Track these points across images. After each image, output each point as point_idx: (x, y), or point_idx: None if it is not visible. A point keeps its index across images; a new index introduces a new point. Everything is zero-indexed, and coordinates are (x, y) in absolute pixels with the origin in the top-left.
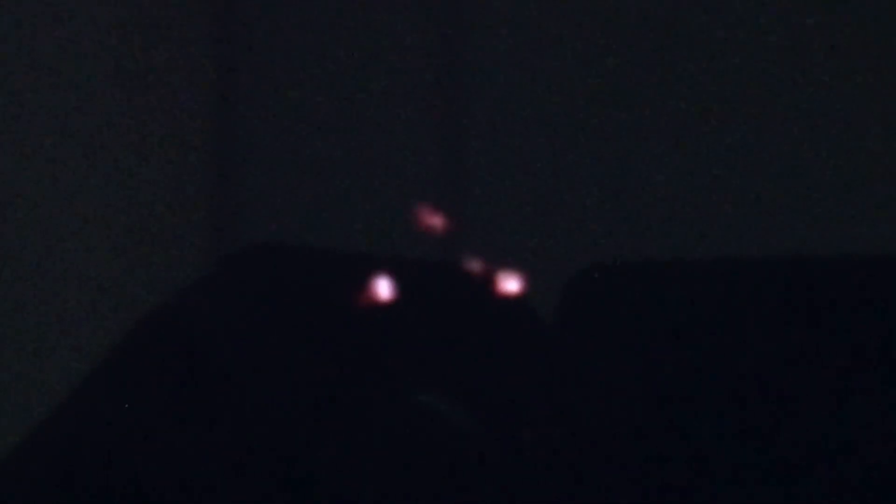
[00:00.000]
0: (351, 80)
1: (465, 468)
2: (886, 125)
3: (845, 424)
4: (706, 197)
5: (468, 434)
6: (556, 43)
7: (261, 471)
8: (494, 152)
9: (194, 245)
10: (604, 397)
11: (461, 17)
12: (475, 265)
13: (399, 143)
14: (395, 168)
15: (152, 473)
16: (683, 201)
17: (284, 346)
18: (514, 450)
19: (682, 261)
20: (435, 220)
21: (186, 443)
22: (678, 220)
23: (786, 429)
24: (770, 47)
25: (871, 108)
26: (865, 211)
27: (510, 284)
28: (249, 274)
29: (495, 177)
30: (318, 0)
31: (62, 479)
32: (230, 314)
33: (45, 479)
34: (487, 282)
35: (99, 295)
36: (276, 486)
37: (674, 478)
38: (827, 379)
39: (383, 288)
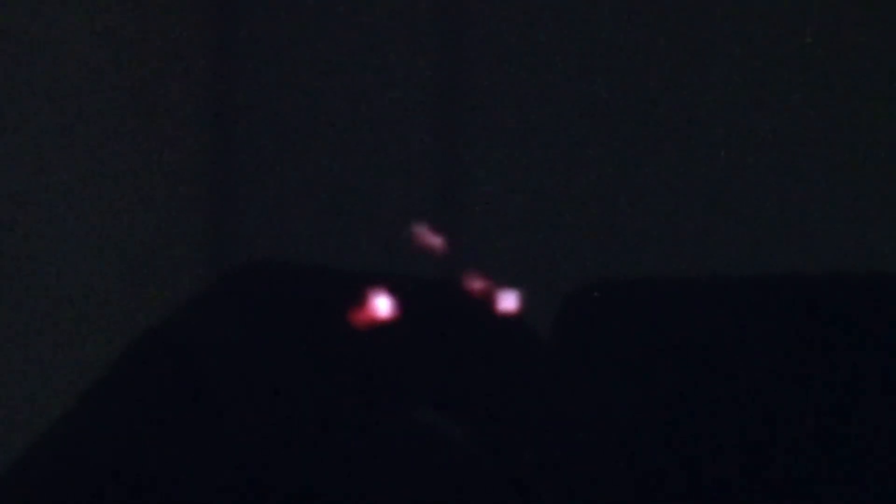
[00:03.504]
0: (350, 97)
1: (463, 485)
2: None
3: (851, 443)
4: (708, 213)
5: (466, 451)
6: (556, 62)
7: (260, 488)
8: (493, 168)
9: (192, 262)
10: (604, 415)
11: (460, 31)
12: (473, 282)
13: (397, 159)
14: (394, 185)
15: (150, 491)
16: (684, 218)
17: (282, 363)
18: (513, 467)
19: (682, 278)
20: (433, 237)
21: (184, 460)
22: (679, 236)
23: (788, 445)
24: (780, 66)
25: (879, 128)
26: (869, 229)
27: (508, 302)
28: (247, 291)
29: (493, 193)
30: (319, 16)
31: (56, 494)
32: (228, 331)
33: (39, 493)
34: (486, 299)
35: (95, 312)
36: (274, 503)
37: (675, 496)
38: (832, 398)
39: (382, 305)
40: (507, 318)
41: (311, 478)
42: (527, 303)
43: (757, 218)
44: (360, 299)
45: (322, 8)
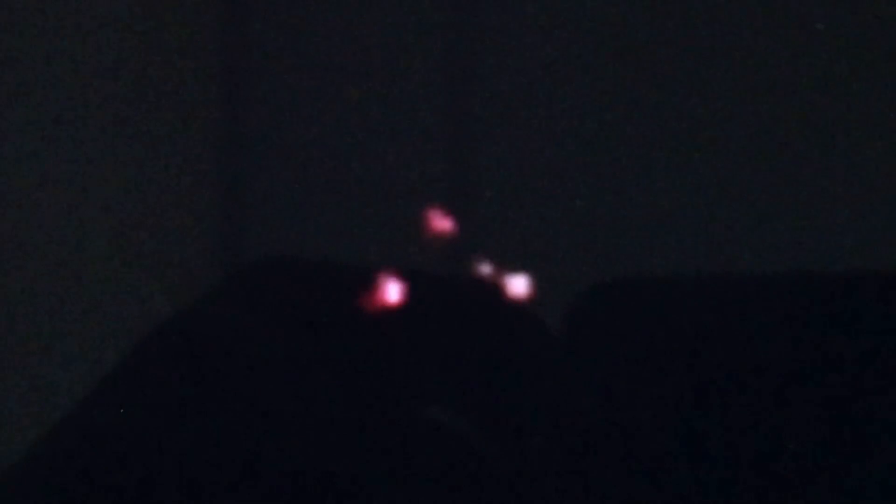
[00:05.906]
0: (361, 89)
1: (473, 480)
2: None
3: (862, 443)
4: (722, 210)
5: (477, 447)
6: (569, 54)
7: (270, 483)
8: (505, 162)
9: (206, 257)
10: (614, 410)
11: (471, 21)
12: (486, 277)
13: (409, 153)
14: (406, 179)
15: (161, 485)
16: (699, 214)
17: (295, 358)
18: (523, 463)
19: (695, 274)
20: (445, 232)
21: (196, 454)
22: (693, 233)
23: (797, 442)
24: (787, 65)
25: (883, 125)
26: (877, 228)
27: (518, 287)
28: (261, 286)
29: (506, 188)
30: (329, 10)
31: (67, 489)
32: (241, 326)
33: (50, 487)
34: (498, 293)
35: (111, 307)
36: (285, 499)
37: (683, 490)
38: (843, 397)
39: (393, 301)
40: (517, 314)
41: (323, 471)
42: (538, 297)
43: (774, 217)
44: (371, 293)
45: (331, 2)
